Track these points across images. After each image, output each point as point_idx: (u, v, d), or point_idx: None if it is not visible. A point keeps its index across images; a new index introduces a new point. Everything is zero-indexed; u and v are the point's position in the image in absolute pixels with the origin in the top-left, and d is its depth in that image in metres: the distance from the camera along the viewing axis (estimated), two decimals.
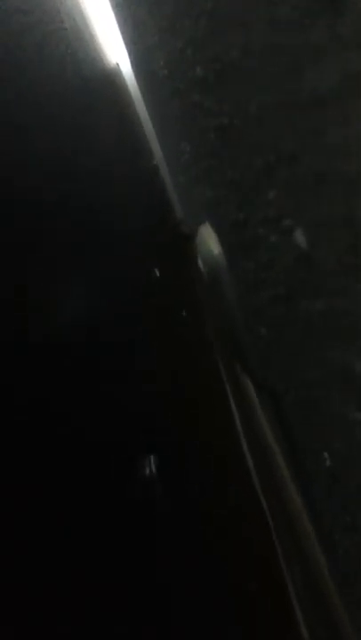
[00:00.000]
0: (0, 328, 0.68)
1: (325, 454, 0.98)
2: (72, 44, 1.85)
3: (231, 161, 0.74)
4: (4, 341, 0.69)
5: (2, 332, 0.69)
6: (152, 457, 1.01)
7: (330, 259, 0.50)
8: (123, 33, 2.28)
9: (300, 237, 0.52)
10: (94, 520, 0.74)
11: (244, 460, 1.98)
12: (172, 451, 1.28)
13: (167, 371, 1.60)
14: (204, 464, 1.55)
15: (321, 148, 0.42)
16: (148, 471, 0.97)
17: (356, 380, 0.66)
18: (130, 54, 2.28)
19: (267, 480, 1.91)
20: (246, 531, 1.60)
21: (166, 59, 1.05)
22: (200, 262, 1.39)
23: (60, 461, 0.71)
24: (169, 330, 1.84)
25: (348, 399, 0.74)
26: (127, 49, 2.32)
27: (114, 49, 2.56)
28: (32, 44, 1.35)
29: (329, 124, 0.39)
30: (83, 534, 0.71)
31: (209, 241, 1.31)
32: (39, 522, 0.61)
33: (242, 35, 0.53)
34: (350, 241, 0.44)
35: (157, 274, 1.83)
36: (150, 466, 0.97)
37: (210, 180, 1.00)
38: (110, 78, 2.40)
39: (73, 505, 0.69)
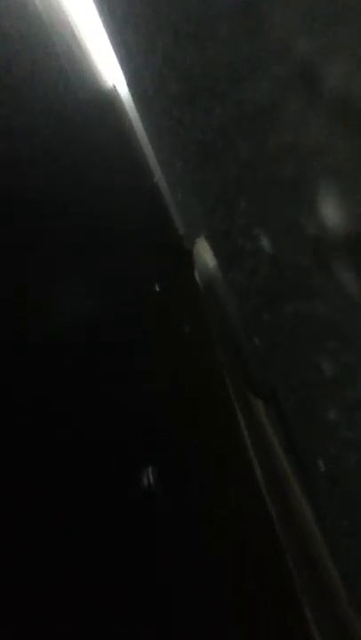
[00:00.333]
0: (5, 328, 0.69)
1: (320, 460, 0.97)
2: (65, 69, 1.89)
3: (212, 174, 0.75)
4: (4, 341, 0.70)
5: (5, 332, 0.70)
6: (150, 468, 1.01)
7: (296, 261, 0.50)
8: (117, 54, 2.33)
9: (266, 244, 0.52)
10: (94, 520, 0.74)
11: (249, 461, 1.97)
12: (174, 451, 1.28)
13: (168, 372, 1.60)
14: (205, 464, 1.54)
15: (267, 154, 0.42)
16: (149, 473, 0.97)
17: (329, 381, 0.66)
18: (125, 76, 2.32)
19: (270, 481, 1.89)
20: (249, 531, 1.59)
21: (150, 77, 1.06)
22: (197, 275, 1.40)
23: (60, 461, 0.71)
24: (171, 337, 1.84)
25: (329, 400, 0.73)
26: (122, 70, 2.37)
27: (110, 71, 2.62)
28: (22, 69, 1.38)
29: (270, 131, 0.40)
30: (82, 534, 0.71)
31: (204, 254, 1.32)
32: (38, 522, 0.61)
33: (207, 49, 0.54)
34: (310, 243, 0.44)
35: (157, 289, 1.84)
36: (149, 473, 0.97)
37: (199, 193, 1.01)
38: (108, 100, 2.44)
39: (72, 505, 0.70)
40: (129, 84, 2.27)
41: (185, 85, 0.66)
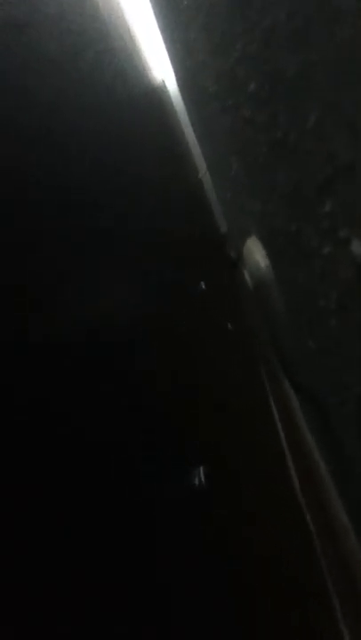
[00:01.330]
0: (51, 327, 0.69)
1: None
2: (121, 63, 1.90)
3: (284, 174, 0.74)
4: (63, 335, 0.71)
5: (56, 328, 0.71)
6: (202, 467, 1.01)
7: None
8: (170, 52, 2.33)
9: (357, 249, 0.52)
10: (153, 519, 0.75)
11: (289, 474, 1.96)
12: (219, 463, 1.28)
13: (212, 382, 1.60)
14: (247, 477, 1.54)
15: None
16: (200, 472, 0.97)
17: None
18: (177, 73, 2.32)
19: (311, 495, 1.88)
20: (285, 536, 1.58)
21: (217, 76, 1.06)
22: (246, 275, 1.40)
23: (117, 461, 0.72)
24: (213, 342, 1.84)
25: None
26: (174, 68, 2.37)
27: (160, 68, 2.62)
28: (86, 63, 1.40)
29: None
30: (137, 531, 0.71)
31: (256, 253, 1.31)
32: (83, 520, 0.61)
33: (300, 51, 0.53)
34: None
35: (203, 286, 1.84)
36: (200, 476, 0.98)
37: (260, 193, 1.00)
38: (157, 95, 2.44)
39: (126, 503, 0.70)
40: (182, 82, 2.27)
41: (268, 85, 0.65)
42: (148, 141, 2.18)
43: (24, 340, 0.73)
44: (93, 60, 1.54)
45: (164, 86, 2.55)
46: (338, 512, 1.74)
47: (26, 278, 0.65)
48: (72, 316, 0.77)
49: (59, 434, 0.61)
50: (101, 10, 1.81)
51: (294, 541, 1.73)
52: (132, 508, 0.71)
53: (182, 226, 2.18)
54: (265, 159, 0.83)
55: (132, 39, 2.21)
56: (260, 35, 0.61)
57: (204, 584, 0.81)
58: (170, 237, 1.89)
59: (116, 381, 0.85)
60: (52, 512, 0.55)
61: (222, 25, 0.85)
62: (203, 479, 0.99)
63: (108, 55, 1.75)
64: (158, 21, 2.30)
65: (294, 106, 0.57)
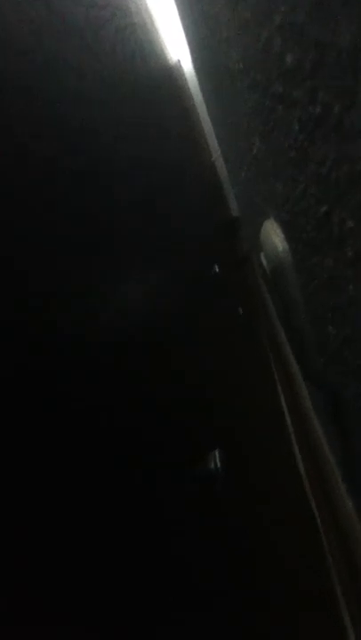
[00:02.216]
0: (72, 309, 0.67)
1: None
2: (140, 39, 1.85)
3: (317, 153, 0.71)
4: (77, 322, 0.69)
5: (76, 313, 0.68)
6: (216, 452, 1.00)
7: None
8: (187, 31, 2.26)
9: None
10: (167, 503, 0.74)
11: (294, 460, 1.95)
12: (231, 435, 1.27)
13: (220, 367, 1.59)
14: (254, 464, 1.53)
15: None
16: (216, 457, 0.96)
17: None
18: (193, 52, 2.26)
19: (317, 483, 1.87)
20: (295, 538, 1.58)
21: (244, 52, 1.02)
22: (263, 259, 1.36)
23: (132, 446, 0.70)
24: (224, 327, 1.82)
25: None
26: (190, 48, 2.30)
27: (176, 48, 2.55)
28: (107, 37, 1.35)
29: None
30: (155, 515, 0.70)
31: (274, 237, 1.28)
32: (107, 504, 0.60)
33: (350, 19, 0.50)
34: None
35: (217, 269, 1.81)
36: (215, 460, 0.96)
37: (286, 174, 0.97)
38: (172, 74, 2.39)
39: (145, 488, 0.69)
40: (198, 60, 2.21)
41: (311, 57, 0.62)
42: (162, 122, 2.14)
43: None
44: (114, 35, 1.49)
45: (180, 66, 2.49)
46: (342, 498, 1.73)
47: (31, 267, 0.63)
48: (84, 301, 0.75)
49: (71, 420, 0.59)
50: None
51: (299, 525, 1.73)
52: (146, 494, 0.69)
53: (194, 209, 2.15)
54: (296, 137, 0.79)
55: (150, 15, 2.15)
56: (307, 2, 0.57)
57: (211, 567, 0.80)
58: (182, 221, 1.86)
59: (128, 366, 0.84)
60: (64, 499, 0.53)
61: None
62: (218, 463, 0.98)
63: (129, 31, 1.70)
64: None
65: (342, 79, 0.54)
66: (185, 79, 2.44)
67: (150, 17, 2.16)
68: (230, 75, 1.30)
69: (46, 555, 0.46)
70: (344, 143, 0.59)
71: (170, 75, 2.38)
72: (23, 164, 0.66)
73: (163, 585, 0.62)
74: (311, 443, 1.82)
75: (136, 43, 1.78)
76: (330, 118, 0.61)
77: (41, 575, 0.44)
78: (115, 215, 1.11)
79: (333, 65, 0.55)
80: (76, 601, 0.48)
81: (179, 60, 2.51)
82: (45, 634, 0.43)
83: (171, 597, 0.63)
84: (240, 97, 1.26)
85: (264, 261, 1.35)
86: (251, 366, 1.87)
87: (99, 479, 0.60)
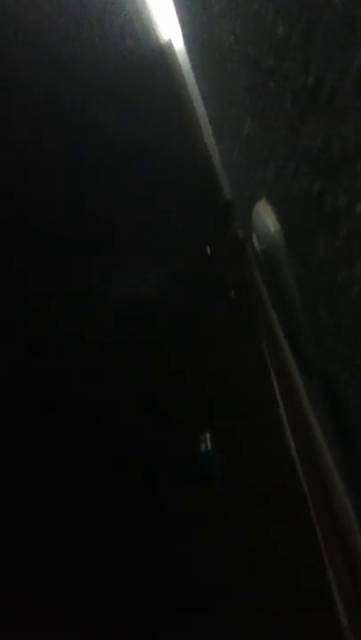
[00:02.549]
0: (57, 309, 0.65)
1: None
2: (130, 15, 1.80)
3: (310, 128, 0.68)
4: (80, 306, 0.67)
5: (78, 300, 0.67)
6: (208, 434, 0.98)
7: None
8: (178, 8, 2.21)
9: None
10: (162, 485, 0.73)
11: (288, 449, 1.94)
12: (223, 432, 1.25)
13: (212, 338, 1.56)
14: (248, 447, 1.52)
15: None
16: (206, 439, 0.95)
17: None
18: (184, 30, 2.20)
19: (311, 470, 1.87)
20: (282, 503, 1.57)
21: (235, 25, 0.98)
22: (255, 240, 1.33)
23: (125, 431, 0.69)
24: (215, 309, 1.80)
25: None
26: (182, 25, 2.25)
27: (167, 25, 2.49)
28: (96, 16, 1.32)
29: None
30: (149, 496, 0.69)
31: (266, 218, 1.25)
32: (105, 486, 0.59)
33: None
34: None
35: (209, 252, 1.78)
36: (207, 439, 0.95)
37: (278, 151, 0.94)
38: (163, 53, 2.33)
39: (140, 471, 0.67)
40: (190, 38, 2.16)
41: (301, 27, 0.59)
42: (153, 102, 2.09)
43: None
44: (103, 14, 1.45)
45: (171, 45, 2.43)
46: (335, 484, 1.73)
47: (29, 262, 0.60)
48: (78, 290, 0.74)
49: (71, 420, 0.58)
50: None
51: (298, 525, 1.73)
52: (146, 494, 0.68)
53: (186, 191, 2.11)
54: (289, 113, 0.76)
55: None
56: None
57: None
58: (173, 204, 1.82)
59: (122, 351, 0.82)
60: (66, 493, 0.53)
61: None
62: (209, 446, 0.96)
63: (118, 9, 1.65)
64: None
65: (334, 48, 0.51)
66: (176, 59, 2.38)
67: None
68: (222, 52, 1.26)
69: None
70: (337, 116, 0.56)
71: (161, 54, 2.32)
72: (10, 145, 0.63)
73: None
74: (308, 439, 1.81)
75: (126, 21, 1.73)
76: (323, 90, 0.58)
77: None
78: (99, 201, 1.08)
79: (326, 34, 0.52)
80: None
81: (170, 40, 2.46)
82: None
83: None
84: (232, 75, 1.22)
85: (256, 243, 1.32)
86: (243, 351, 1.85)
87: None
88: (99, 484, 0.59)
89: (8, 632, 0.39)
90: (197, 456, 0.92)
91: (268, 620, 0.94)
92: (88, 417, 0.61)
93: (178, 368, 1.16)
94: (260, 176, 1.23)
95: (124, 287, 1.04)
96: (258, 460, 1.56)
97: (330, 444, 1.55)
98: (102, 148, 1.24)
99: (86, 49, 1.32)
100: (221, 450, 1.09)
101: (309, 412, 1.76)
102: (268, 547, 1.13)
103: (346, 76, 0.51)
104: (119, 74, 1.72)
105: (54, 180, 0.78)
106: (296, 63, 0.66)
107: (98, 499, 0.57)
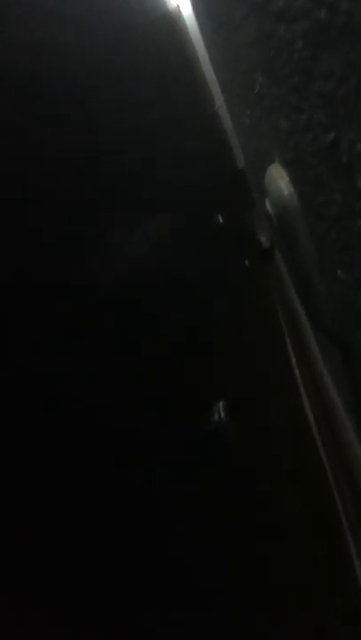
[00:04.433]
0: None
1: None
2: None
3: (323, 67, 0.62)
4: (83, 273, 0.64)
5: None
6: (222, 403, 0.95)
7: None
8: None
9: None
10: (174, 452, 0.71)
11: (303, 409, 1.90)
12: (237, 388, 1.22)
13: (226, 319, 1.52)
14: (263, 412, 1.49)
15: None
16: (220, 408, 0.92)
17: None
18: None
19: (325, 429, 1.83)
20: (306, 490, 1.55)
21: None
22: (268, 205, 1.27)
23: (142, 400, 0.66)
24: (230, 279, 1.74)
25: None
26: None
27: None
28: None
29: None
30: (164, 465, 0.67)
31: (279, 181, 1.18)
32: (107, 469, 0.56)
33: None
34: None
35: (220, 220, 1.72)
36: (220, 408, 0.92)
37: (288, 105, 0.87)
38: (172, 19, 2.24)
39: (154, 438, 0.65)
40: (195, 3, 2.06)
41: None
42: (162, 71, 2.01)
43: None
44: None
45: (179, 11, 2.33)
46: (353, 446, 1.68)
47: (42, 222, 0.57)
48: (88, 256, 0.70)
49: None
50: None
51: (309, 474, 1.69)
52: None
53: (198, 160, 2.04)
54: (300, 57, 0.70)
55: None
56: None
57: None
58: (186, 173, 1.76)
59: (135, 318, 0.80)
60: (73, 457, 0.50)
61: None
62: (223, 414, 0.93)
63: None
64: None
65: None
66: (185, 25, 2.28)
67: None
68: (228, 6, 1.18)
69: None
70: (353, 47, 0.50)
71: (169, 21, 2.23)
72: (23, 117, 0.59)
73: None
74: (320, 390, 1.76)
75: None
76: (337, 20, 0.52)
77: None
78: (113, 171, 1.04)
79: None
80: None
81: (178, 6, 2.35)
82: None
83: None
84: (239, 31, 1.15)
85: (269, 208, 1.26)
86: (257, 319, 1.80)
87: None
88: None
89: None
90: (210, 424, 0.89)
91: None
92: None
93: (189, 339, 1.12)
94: (272, 136, 1.16)
95: (136, 258, 1.00)
96: (273, 427, 1.52)
97: (348, 407, 1.50)
98: (110, 119, 1.19)
99: (94, 22, 1.27)
100: (235, 417, 1.05)
101: (325, 374, 1.71)
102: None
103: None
104: (128, 42, 1.65)
105: (63, 150, 0.74)
106: (303, 2, 0.60)
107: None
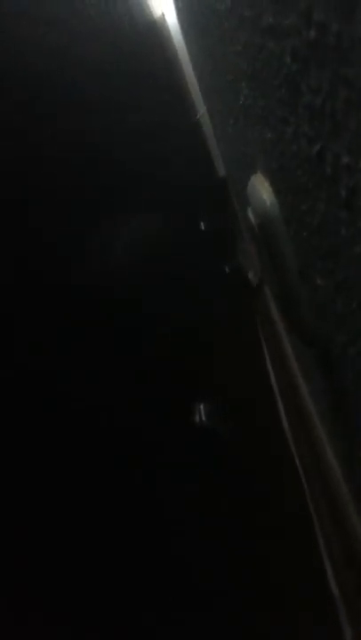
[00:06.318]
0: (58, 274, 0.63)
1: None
2: None
3: (311, 83, 0.65)
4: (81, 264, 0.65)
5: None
6: (202, 405, 0.97)
7: None
8: None
9: None
10: (160, 453, 0.72)
11: (278, 414, 1.93)
12: (215, 391, 1.24)
13: (205, 325, 1.54)
14: (240, 415, 1.51)
15: None
16: (200, 410, 0.94)
17: None
18: (177, 1, 2.14)
19: (300, 434, 1.86)
20: (281, 492, 1.57)
21: None
22: (250, 214, 1.30)
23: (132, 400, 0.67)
24: (210, 284, 1.77)
25: None
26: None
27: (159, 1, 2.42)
28: None
29: None
30: (151, 462, 0.68)
31: (261, 191, 1.21)
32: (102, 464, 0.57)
33: None
34: None
35: (202, 227, 1.75)
36: (201, 410, 0.94)
37: (274, 116, 0.90)
38: (157, 27, 2.27)
39: (143, 437, 0.66)
40: (180, 12, 2.09)
41: None
42: (146, 75, 2.04)
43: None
44: None
45: (164, 20, 2.37)
46: (325, 450, 1.72)
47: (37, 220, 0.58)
48: (73, 260, 0.71)
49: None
50: None
51: (283, 478, 1.72)
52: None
53: (180, 168, 2.07)
54: (288, 71, 0.73)
55: None
56: None
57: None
58: (167, 180, 1.78)
59: (117, 323, 0.81)
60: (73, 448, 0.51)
61: None
62: (203, 417, 0.95)
63: None
64: None
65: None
66: (170, 33, 2.32)
67: None
68: (216, 17, 1.21)
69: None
70: (342, 64, 0.53)
71: (154, 27, 2.26)
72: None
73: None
74: (295, 396, 1.80)
75: None
76: (327, 39, 0.55)
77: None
78: (96, 178, 1.05)
79: None
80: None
81: (163, 14, 2.39)
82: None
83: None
84: (226, 41, 1.18)
85: (251, 217, 1.29)
86: (236, 324, 1.83)
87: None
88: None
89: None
90: (194, 424, 0.90)
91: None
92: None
93: (171, 342, 1.13)
94: (257, 146, 1.20)
95: (120, 260, 1.01)
96: (250, 434, 1.54)
97: (321, 410, 1.54)
98: (94, 127, 1.20)
99: (80, 30, 1.28)
100: (215, 421, 1.08)
101: (300, 379, 1.74)
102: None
103: (352, 20, 0.48)
104: (114, 48, 1.67)
105: (53, 157, 0.76)
106: (297, 15, 0.63)
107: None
